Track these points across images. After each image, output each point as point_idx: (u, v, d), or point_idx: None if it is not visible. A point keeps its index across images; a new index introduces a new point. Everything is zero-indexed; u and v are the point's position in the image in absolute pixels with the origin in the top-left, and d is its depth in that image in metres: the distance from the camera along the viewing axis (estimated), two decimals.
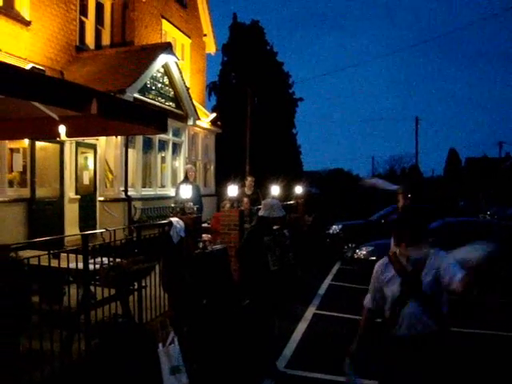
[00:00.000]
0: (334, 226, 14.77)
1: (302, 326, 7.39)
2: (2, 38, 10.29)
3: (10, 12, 10.63)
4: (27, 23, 10.99)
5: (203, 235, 7.07)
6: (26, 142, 10.04)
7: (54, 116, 5.81)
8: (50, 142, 10.55)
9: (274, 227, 6.37)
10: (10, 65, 4.06)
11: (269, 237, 5.43)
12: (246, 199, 9.80)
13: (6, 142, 9.52)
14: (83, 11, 13.25)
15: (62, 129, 6.11)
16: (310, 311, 8.30)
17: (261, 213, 5.63)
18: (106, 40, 14.28)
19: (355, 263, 11.16)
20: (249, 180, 11.22)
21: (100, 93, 4.79)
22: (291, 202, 13.21)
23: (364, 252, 10.80)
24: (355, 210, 19.74)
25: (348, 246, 13.61)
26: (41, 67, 10.94)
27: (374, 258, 10.49)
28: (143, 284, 5.60)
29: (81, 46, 13.04)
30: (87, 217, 11.77)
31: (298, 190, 14.16)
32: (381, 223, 14.57)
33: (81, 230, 11.28)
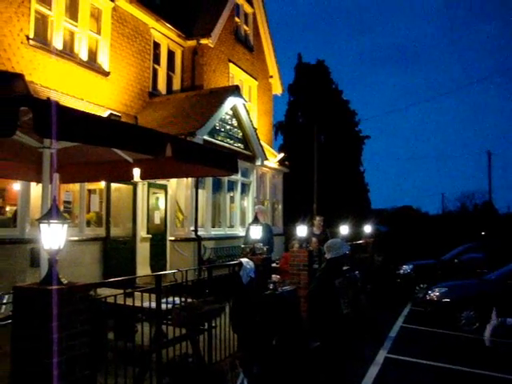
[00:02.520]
0: (404, 266, 14.31)
1: (373, 370, 7.12)
2: (85, 88, 11.07)
3: (92, 65, 11.47)
4: (107, 74, 11.78)
5: (273, 276, 7.07)
6: (102, 183, 10.54)
7: (129, 159, 6.08)
8: (123, 183, 11.01)
9: (344, 268, 6.28)
10: (93, 114, 4.33)
11: (339, 279, 5.36)
12: (314, 239, 9.72)
13: (85, 183, 10.02)
14: (156, 59, 14.01)
15: (136, 171, 6.37)
16: (382, 354, 8.00)
17: (328, 256, 5.57)
18: (176, 85, 14.93)
19: (427, 305, 10.71)
20: (317, 220, 11.14)
21: (174, 137, 4.99)
22: (360, 242, 12.98)
23: (437, 293, 10.36)
24: (425, 248, 19.11)
25: (419, 287, 13.13)
26: (117, 113, 11.57)
27: (447, 299, 10.05)
28: (213, 324, 5.64)
29: (153, 92, 13.71)
30: (158, 256, 12.06)
31: (367, 229, 13.93)
32: (454, 263, 14.00)
33: (152, 269, 11.57)
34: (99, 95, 11.52)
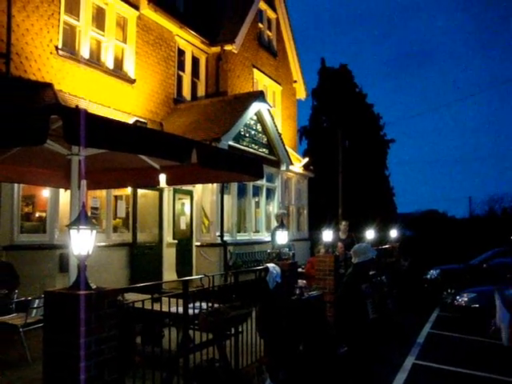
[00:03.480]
0: (431, 271, 14.09)
1: (400, 377, 7.03)
2: (112, 96, 11.26)
3: (118, 73, 11.67)
4: (132, 81, 11.95)
5: (299, 281, 7.04)
6: (128, 189, 10.67)
7: (156, 166, 6.14)
8: (149, 189, 11.13)
9: (371, 272, 6.23)
10: (120, 122, 4.40)
11: (366, 284, 5.32)
12: (340, 244, 9.67)
13: (112, 190, 10.15)
14: (180, 66, 14.16)
15: (162, 177, 6.44)
16: (409, 361, 7.90)
17: (354, 260, 5.55)
18: (201, 91, 15.05)
19: (456, 311, 10.52)
20: (343, 224, 11.09)
21: (199, 143, 5.02)
22: (386, 246, 12.85)
23: (465, 299, 10.17)
24: (453, 253, 18.80)
25: (447, 292, 12.88)
26: (143, 120, 11.72)
27: (476, 305, 9.85)
28: (239, 329, 5.64)
29: (178, 98, 13.84)
30: (184, 261, 12.13)
31: (393, 233, 13.79)
32: (482, 268, 13.73)
33: (177, 274, 11.65)
34: (125, 102, 11.69)
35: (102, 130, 3.76)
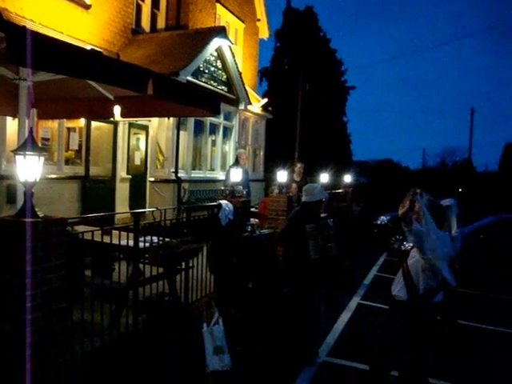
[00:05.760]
0: (381, 217, 14.54)
1: (345, 316, 7.42)
2: (65, 21, 10.59)
3: None
4: (88, 7, 11.26)
5: (251, 219, 7.11)
6: (82, 121, 10.31)
7: (110, 96, 5.92)
8: (104, 122, 10.80)
9: (322, 215, 6.32)
10: (73, 45, 4.16)
11: (311, 224, 5.39)
12: (294, 185, 9.77)
13: (64, 121, 9.80)
14: None
15: (116, 109, 6.23)
16: (355, 301, 8.31)
17: (303, 199, 5.62)
18: (161, 23, 14.44)
19: (402, 255, 10.93)
20: (298, 166, 11.19)
21: (156, 74, 4.84)
22: (339, 191, 13.08)
23: (412, 245, 10.57)
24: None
25: (395, 238, 13.37)
26: (99, 49, 11.17)
27: None
28: (190, 264, 5.68)
29: (136, 29, 13.24)
30: (137, 196, 12.01)
31: (347, 178, 14.02)
32: None
33: (130, 209, 11.53)
34: (80, 29, 11.07)
35: (52, 51, 3.53)
